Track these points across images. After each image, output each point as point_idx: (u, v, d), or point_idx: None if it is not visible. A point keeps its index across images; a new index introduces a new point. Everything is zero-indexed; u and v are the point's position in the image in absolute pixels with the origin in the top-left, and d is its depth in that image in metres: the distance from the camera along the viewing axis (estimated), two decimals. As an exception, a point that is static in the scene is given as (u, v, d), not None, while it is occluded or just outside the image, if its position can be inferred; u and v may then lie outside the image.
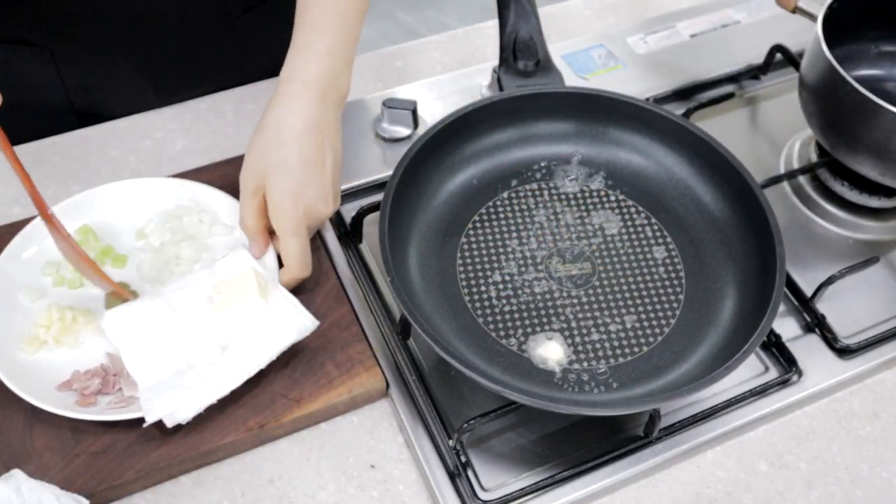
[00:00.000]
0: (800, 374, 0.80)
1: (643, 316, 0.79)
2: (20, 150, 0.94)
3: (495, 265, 0.82)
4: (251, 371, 0.73)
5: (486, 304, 0.79)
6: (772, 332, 0.80)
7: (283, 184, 0.77)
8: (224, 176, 0.87)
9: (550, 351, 0.76)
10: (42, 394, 0.71)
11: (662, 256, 0.84)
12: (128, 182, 0.85)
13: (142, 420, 0.72)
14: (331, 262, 0.84)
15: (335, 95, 0.80)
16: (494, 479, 0.73)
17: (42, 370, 0.74)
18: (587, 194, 0.88)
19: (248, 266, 0.78)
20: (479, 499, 0.71)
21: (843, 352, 0.82)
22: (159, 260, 0.81)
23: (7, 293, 0.77)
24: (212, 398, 0.72)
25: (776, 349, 0.81)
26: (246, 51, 1.04)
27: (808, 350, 0.82)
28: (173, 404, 0.70)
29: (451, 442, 0.73)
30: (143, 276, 0.81)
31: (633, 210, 0.87)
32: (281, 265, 0.80)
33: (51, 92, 0.98)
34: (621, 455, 0.74)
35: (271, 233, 0.80)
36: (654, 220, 0.86)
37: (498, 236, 0.84)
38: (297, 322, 0.76)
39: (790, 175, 0.94)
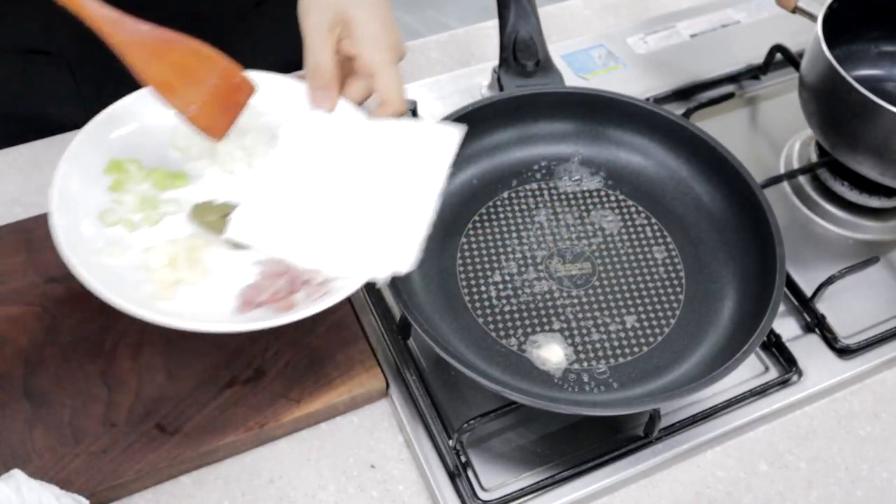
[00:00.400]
0: (800, 374, 0.80)
1: (643, 316, 0.79)
2: (20, 150, 0.94)
3: (495, 265, 0.82)
4: (442, 183, 0.69)
5: (486, 304, 0.79)
6: (772, 332, 0.80)
7: (374, 13, 0.71)
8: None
9: (550, 351, 0.76)
10: (235, 321, 0.64)
11: (662, 256, 0.84)
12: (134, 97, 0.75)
13: (142, 420, 0.72)
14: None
15: None
16: (494, 479, 0.73)
17: (203, 308, 0.66)
18: (587, 194, 0.88)
19: (326, 118, 0.72)
20: (479, 499, 0.71)
21: (843, 352, 0.82)
22: (224, 158, 0.74)
23: (92, 262, 0.66)
24: (427, 224, 0.67)
25: (776, 349, 0.81)
26: (258, 46, 1.04)
27: (808, 350, 0.82)
28: (393, 247, 0.66)
29: (451, 442, 0.73)
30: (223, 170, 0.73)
31: (633, 210, 0.87)
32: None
33: (66, 100, 0.98)
34: (621, 455, 0.74)
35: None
36: (654, 220, 0.86)
37: (498, 236, 0.84)
38: (443, 135, 0.71)
39: (790, 175, 0.94)
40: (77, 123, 0.76)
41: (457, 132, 0.71)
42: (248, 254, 0.70)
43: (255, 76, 0.75)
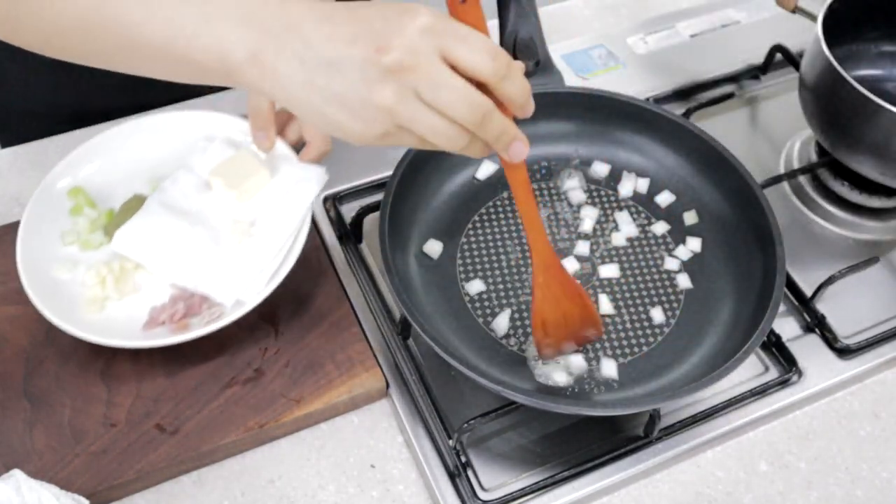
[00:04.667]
0: (800, 374, 0.80)
1: (643, 316, 0.79)
2: (20, 150, 0.94)
3: (495, 265, 0.82)
4: (296, 231, 0.76)
5: (486, 304, 0.79)
6: (772, 332, 0.80)
7: None
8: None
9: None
10: (134, 338, 0.72)
11: (663, 256, 0.84)
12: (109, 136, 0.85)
13: (142, 420, 0.72)
14: (331, 262, 0.84)
15: None
16: (494, 479, 0.73)
17: (121, 322, 0.74)
18: (587, 194, 0.88)
19: (234, 150, 0.81)
20: (479, 499, 0.71)
21: (843, 352, 0.82)
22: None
23: (43, 273, 0.76)
24: (272, 268, 0.75)
25: (776, 349, 0.81)
26: None
27: (808, 350, 0.82)
28: (239, 283, 0.74)
29: (451, 442, 0.73)
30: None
31: (633, 210, 0.87)
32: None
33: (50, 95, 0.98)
34: (621, 455, 0.74)
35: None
36: (653, 220, 0.86)
37: (498, 236, 0.84)
38: (311, 176, 0.79)
39: (790, 175, 0.94)
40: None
41: (321, 176, 0.79)
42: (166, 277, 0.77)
43: (209, 116, 0.85)
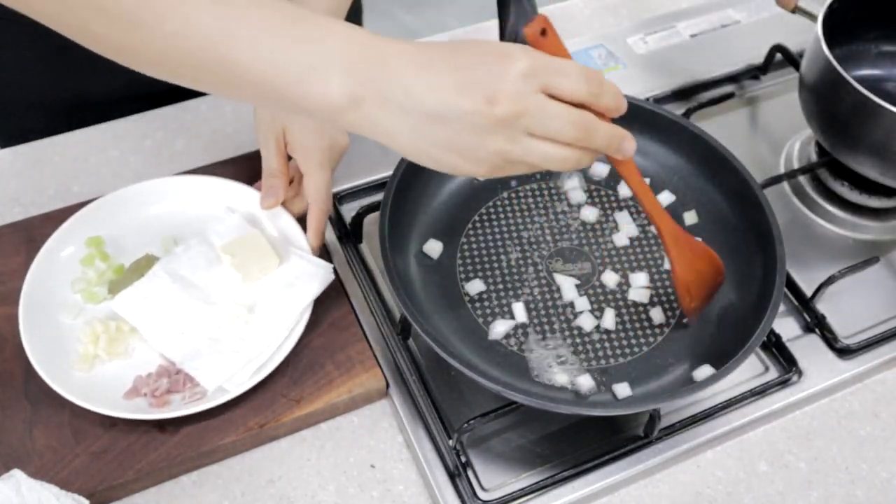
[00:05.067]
0: (800, 374, 0.80)
1: (643, 316, 0.79)
2: (20, 150, 0.94)
3: (495, 265, 0.82)
4: (292, 326, 0.76)
5: (486, 304, 0.79)
6: (772, 332, 0.80)
7: (304, 120, 0.79)
8: (224, 176, 0.87)
9: (550, 351, 0.76)
10: (115, 405, 0.71)
11: (662, 256, 0.84)
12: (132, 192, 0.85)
13: (142, 421, 0.72)
14: (331, 262, 0.84)
15: None
16: (494, 479, 0.73)
17: (105, 383, 0.74)
18: (587, 194, 0.88)
19: (250, 228, 0.81)
20: (479, 499, 0.71)
21: (843, 352, 0.82)
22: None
23: (48, 315, 0.77)
24: (260, 361, 0.74)
25: (776, 349, 0.81)
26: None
27: (808, 350, 0.82)
28: (226, 370, 0.73)
29: (451, 442, 0.73)
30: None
31: (632, 210, 0.87)
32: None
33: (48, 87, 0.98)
34: (621, 455, 0.74)
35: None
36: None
37: (498, 236, 0.84)
38: (317, 273, 0.79)
39: (790, 175, 0.94)
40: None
41: (327, 275, 0.79)
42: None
43: (234, 187, 0.85)
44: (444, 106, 0.56)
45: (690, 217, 0.86)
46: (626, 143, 0.62)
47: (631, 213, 0.87)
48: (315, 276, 0.79)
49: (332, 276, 0.79)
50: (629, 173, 0.69)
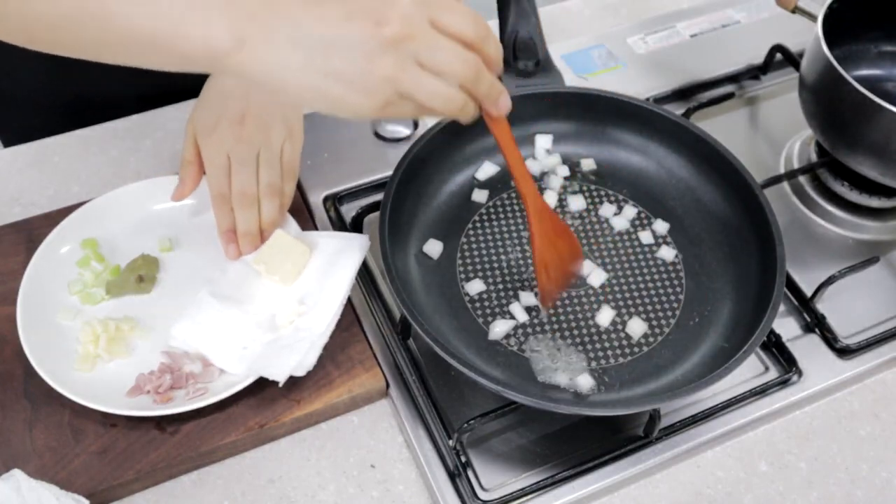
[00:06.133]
0: (800, 374, 0.80)
1: (643, 316, 0.79)
2: (20, 150, 0.94)
3: (495, 265, 0.82)
4: (342, 301, 0.77)
5: (486, 304, 0.79)
6: (772, 332, 0.80)
7: (297, 141, 0.81)
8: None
9: (550, 351, 0.76)
10: (117, 403, 0.71)
11: (662, 256, 0.84)
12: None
13: (142, 420, 0.72)
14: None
15: None
16: (494, 479, 0.73)
17: (107, 382, 0.74)
18: (587, 194, 0.88)
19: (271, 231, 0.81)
20: (479, 499, 0.71)
21: (843, 352, 0.82)
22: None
23: (46, 317, 0.77)
24: (324, 338, 0.75)
25: (776, 349, 0.81)
26: None
27: (808, 350, 0.82)
28: (291, 359, 0.73)
29: (451, 442, 0.73)
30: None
31: (633, 210, 0.87)
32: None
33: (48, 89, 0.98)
34: (621, 455, 0.74)
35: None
36: (653, 220, 0.86)
37: (498, 236, 0.84)
38: (351, 244, 0.80)
39: (790, 175, 0.94)
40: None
41: (364, 243, 0.80)
42: (161, 343, 0.76)
43: None
44: (333, 32, 0.55)
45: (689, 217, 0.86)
46: (504, 97, 0.63)
47: (631, 213, 0.86)
48: (351, 248, 0.79)
49: (368, 243, 0.80)
50: (501, 132, 0.69)
